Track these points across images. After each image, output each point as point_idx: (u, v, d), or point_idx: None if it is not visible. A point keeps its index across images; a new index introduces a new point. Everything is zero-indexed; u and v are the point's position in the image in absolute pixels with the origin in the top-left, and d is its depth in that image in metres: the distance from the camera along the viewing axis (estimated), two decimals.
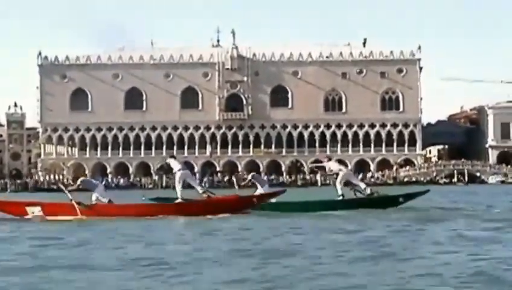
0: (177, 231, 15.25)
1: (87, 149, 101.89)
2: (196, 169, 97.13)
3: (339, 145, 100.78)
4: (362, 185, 20.10)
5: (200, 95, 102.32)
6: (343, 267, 8.57)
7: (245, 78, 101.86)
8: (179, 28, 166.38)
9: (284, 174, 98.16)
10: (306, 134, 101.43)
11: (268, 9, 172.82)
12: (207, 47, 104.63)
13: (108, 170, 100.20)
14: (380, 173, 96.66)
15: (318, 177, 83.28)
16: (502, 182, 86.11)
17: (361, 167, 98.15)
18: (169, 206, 18.47)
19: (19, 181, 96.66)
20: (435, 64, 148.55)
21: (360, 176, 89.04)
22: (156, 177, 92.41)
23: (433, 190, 47.47)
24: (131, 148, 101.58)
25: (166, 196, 21.11)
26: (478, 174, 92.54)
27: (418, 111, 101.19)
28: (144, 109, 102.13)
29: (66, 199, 18.20)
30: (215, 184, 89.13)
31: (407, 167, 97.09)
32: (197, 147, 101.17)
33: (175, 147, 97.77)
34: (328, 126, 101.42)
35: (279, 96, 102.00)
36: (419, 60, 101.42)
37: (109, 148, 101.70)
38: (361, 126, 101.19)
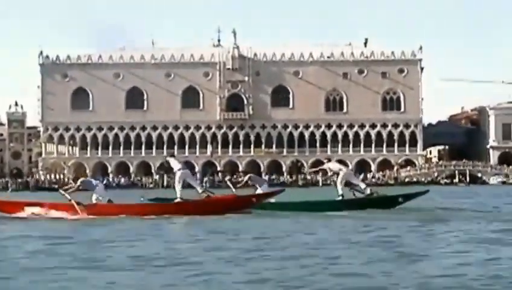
0: (185, 230, 15.23)
1: (88, 148, 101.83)
2: (197, 169, 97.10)
3: (339, 146, 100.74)
4: (362, 185, 20.11)
5: (201, 95, 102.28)
6: (362, 268, 8.55)
7: (246, 78, 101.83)
8: (179, 27, 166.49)
9: (285, 174, 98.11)
10: (307, 134, 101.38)
11: (269, 9, 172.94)
12: (208, 47, 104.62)
13: (109, 170, 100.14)
14: (380, 173, 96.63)
15: (319, 177, 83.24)
16: (503, 183, 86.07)
17: (362, 167, 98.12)
18: (169, 206, 18.48)
19: (20, 180, 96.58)
20: (435, 65, 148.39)
21: (361, 176, 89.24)
22: (157, 177, 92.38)
23: (435, 191, 47.52)
24: (132, 147, 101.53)
25: (167, 195, 21.17)
26: (479, 175, 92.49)
27: (419, 111, 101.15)
28: (145, 108, 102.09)
29: (65, 199, 18.29)
30: (216, 184, 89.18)
31: (408, 168, 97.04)
32: (198, 146, 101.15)
33: (176, 147, 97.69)
34: (329, 126, 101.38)
35: (280, 96, 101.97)
36: (420, 60, 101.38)
37: (110, 147, 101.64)
38: (362, 126, 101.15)
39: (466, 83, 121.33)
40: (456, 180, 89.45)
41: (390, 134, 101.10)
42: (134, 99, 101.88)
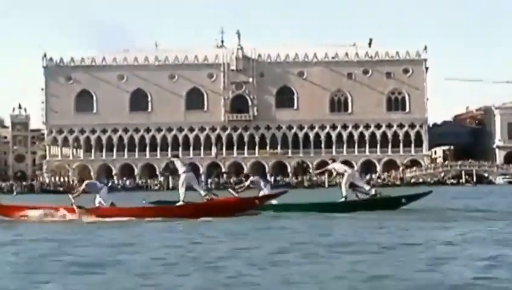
0: (199, 231, 14.93)
1: (93, 151, 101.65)
2: (202, 170, 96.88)
3: (344, 146, 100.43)
4: (366, 187, 19.98)
5: (205, 96, 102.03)
6: (400, 270, 8.30)
7: (250, 79, 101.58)
8: (182, 29, 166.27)
9: (290, 175, 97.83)
10: (312, 135, 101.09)
11: (273, 10, 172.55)
12: (212, 48, 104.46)
13: (114, 172, 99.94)
14: (386, 173, 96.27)
15: (325, 178, 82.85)
16: (510, 182, 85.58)
17: (368, 167, 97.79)
18: (171, 209, 18.36)
19: (24, 183, 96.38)
20: (440, 65, 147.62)
21: (368, 177, 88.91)
22: (161, 179, 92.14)
23: (442, 191, 47.32)
24: (137, 149, 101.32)
25: (172, 198, 20.92)
26: (486, 175, 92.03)
27: (424, 111, 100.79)
28: (149, 110, 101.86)
29: (68, 202, 18.17)
30: (221, 185, 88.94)
31: (414, 168, 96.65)
32: (202, 148, 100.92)
33: (180, 149, 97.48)
34: (334, 127, 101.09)
35: (285, 97, 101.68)
36: (425, 60, 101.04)
37: (114, 149, 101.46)
38: (367, 127, 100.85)
39: (470, 82, 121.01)
40: (463, 180, 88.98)
41: (395, 134, 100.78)
42: (139, 101, 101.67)
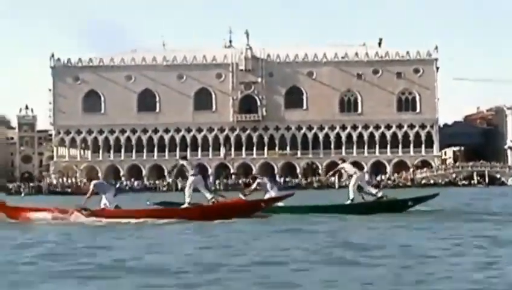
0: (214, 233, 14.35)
1: (100, 151, 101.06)
2: (210, 171, 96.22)
3: (354, 147, 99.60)
4: (373, 191, 19.82)
5: (213, 97, 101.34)
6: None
7: (259, 79, 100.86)
8: (189, 29, 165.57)
9: (299, 176, 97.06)
10: (321, 135, 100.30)
11: (282, 10, 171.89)
12: (220, 48, 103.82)
13: (122, 173, 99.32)
14: (396, 175, 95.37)
15: (335, 179, 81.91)
16: None
17: (378, 168, 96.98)
18: (176, 211, 18.19)
19: (31, 184, 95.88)
20: (450, 65, 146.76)
21: (378, 178, 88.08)
22: (170, 180, 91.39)
23: (454, 192, 46.70)
24: (145, 150, 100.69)
25: (178, 200, 20.63)
26: (498, 176, 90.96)
27: (435, 112, 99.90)
28: (157, 110, 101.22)
29: (77, 203, 18.16)
30: (230, 186, 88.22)
31: (425, 169, 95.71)
32: (210, 149, 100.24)
33: (189, 149, 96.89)
34: (344, 127, 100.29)
35: (294, 98, 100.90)
36: (436, 60, 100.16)
37: (122, 150, 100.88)
38: (377, 127, 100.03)
39: (481, 82, 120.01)
40: (475, 181, 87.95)
41: (405, 135, 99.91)
42: (146, 101, 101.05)
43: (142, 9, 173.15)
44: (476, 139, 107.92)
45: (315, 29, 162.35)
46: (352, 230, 14.21)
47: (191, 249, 10.84)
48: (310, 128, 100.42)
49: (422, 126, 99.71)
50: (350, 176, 19.75)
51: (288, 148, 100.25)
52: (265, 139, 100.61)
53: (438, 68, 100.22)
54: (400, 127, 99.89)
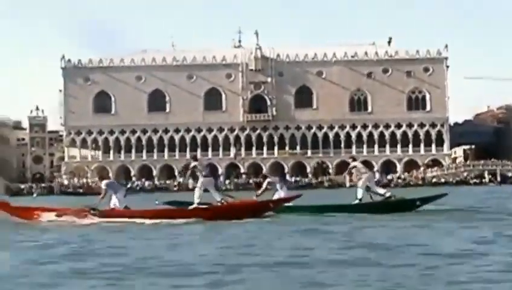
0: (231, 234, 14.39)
1: (111, 152, 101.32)
2: (220, 171, 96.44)
3: (364, 146, 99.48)
4: (381, 191, 19.66)
5: (223, 97, 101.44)
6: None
7: (269, 79, 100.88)
8: (198, 29, 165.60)
9: (310, 175, 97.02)
10: (331, 135, 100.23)
11: (291, 9, 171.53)
12: (230, 48, 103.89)
13: (132, 173, 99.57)
14: (407, 174, 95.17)
15: (347, 178, 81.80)
16: None
17: (388, 167, 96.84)
18: (187, 211, 18.16)
19: (43, 185, 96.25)
20: (460, 63, 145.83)
21: (389, 177, 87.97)
22: (181, 180, 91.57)
23: (466, 191, 46.36)
24: (155, 150, 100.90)
25: (188, 200, 20.54)
26: (510, 174, 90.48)
27: (445, 110, 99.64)
28: (167, 110, 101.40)
29: (78, 203, 18.14)
30: (241, 186, 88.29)
31: (435, 168, 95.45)
32: (221, 149, 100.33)
33: (199, 149, 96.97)
34: (354, 126, 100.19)
35: (304, 97, 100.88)
36: (446, 58, 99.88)
37: (133, 150, 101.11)
38: (387, 126, 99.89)
39: (490, 81, 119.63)
40: (486, 180, 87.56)
41: (416, 134, 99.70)
42: (157, 101, 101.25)
43: (150, 10, 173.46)
44: (487, 137, 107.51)
45: (324, 29, 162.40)
46: (370, 230, 14.11)
47: (212, 249, 10.81)
48: (320, 127, 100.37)
49: (433, 125, 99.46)
50: (360, 177, 19.57)
51: (298, 147, 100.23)
52: (276, 139, 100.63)
53: (448, 67, 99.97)
54: (410, 126, 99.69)
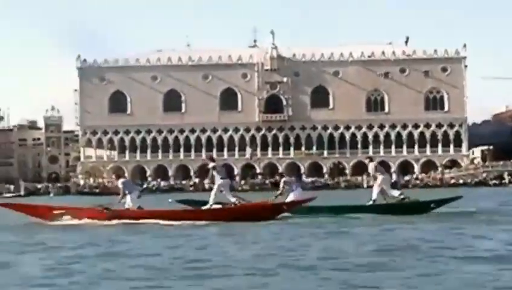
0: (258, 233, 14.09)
1: (127, 152, 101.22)
2: (236, 171, 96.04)
3: (381, 147, 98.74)
4: (396, 193, 19.36)
5: (239, 97, 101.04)
6: None
7: (285, 79, 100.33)
8: (213, 28, 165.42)
9: (326, 176, 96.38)
10: (348, 135, 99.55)
11: (307, 9, 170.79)
12: (245, 48, 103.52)
13: (148, 173, 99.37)
14: (424, 175, 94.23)
15: (365, 178, 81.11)
16: None
17: (405, 168, 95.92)
18: (199, 212, 18.18)
19: (59, 185, 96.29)
20: (479, 62, 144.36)
21: (407, 177, 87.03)
22: (196, 180, 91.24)
23: (487, 193, 45.58)
24: (171, 150, 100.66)
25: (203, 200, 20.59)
26: None
27: (463, 111, 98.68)
28: (183, 110, 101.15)
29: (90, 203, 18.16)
30: (256, 186, 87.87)
31: (453, 169, 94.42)
32: (236, 149, 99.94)
33: (214, 149, 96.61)
34: (371, 127, 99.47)
35: (320, 97, 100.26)
36: (464, 58, 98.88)
37: (148, 150, 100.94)
38: (404, 126, 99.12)
39: (509, 81, 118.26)
40: (506, 181, 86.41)
41: (433, 134, 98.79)
42: (172, 101, 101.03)
43: (165, 9, 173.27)
44: (505, 138, 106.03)
45: (341, 28, 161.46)
46: (399, 231, 13.79)
47: (243, 250, 10.65)
48: (336, 127, 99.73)
49: (451, 125, 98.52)
50: (375, 177, 19.50)
51: (314, 148, 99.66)
52: (291, 139, 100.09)
53: (466, 66, 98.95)
54: (427, 126, 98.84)
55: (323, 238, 12.62)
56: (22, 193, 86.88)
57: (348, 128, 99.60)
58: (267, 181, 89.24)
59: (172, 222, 16.59)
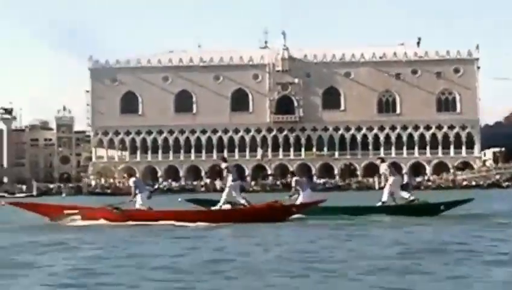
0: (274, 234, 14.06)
1: (138, 152, 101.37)
2: (247, 172, 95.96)
3: (393, 148, 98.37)
4: (406, 195, 19.34)
5: (250, 97, 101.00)
6: None
7: (296, 80, 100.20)
8: (225, 29, 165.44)
9: (337, 177, 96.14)
10: (359, 136, 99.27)
11: (318, 10, 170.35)
12: (256, 49, 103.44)
13: (159, 174, 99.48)
14: (436, 176, 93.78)
15: (376, 180, 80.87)
16: None
17: (417, 170, 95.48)
18: (210, 213, 18.13)
19: (70, 185, 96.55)
20: (492, 64, 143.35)
21: (419, 179, 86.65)
22: (207, 181, 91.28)
23: (499, 195, 45.25)
24: (182, 151, 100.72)
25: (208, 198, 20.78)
26: None
27: (476, 112, 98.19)
28: (194, 111, 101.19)
29: (102, 203, 18.08)
30: (267, 187, 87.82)
31: (466, 170, 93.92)
32: (247, 150, 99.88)
33: (225, 150, 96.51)
34: (382, 128, 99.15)
35: (331, 98, 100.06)
36: (477, 59, 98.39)
37: (159, 151, 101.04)
38: (416, 128, 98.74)
39: None
40: None
41: (445, 136, 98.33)
42: (183, 102, 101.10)
43: (176, 10, 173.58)
44: None
45: (352, 29, 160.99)
46: (418, 233, 13.61)
47: (270, 251, 10.57)
48: (347, 129, 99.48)
49: (463, 127, 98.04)
50: (386, 178, 19.60)
51: (325, 149, 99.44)
52: (303, 140, 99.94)
53: (479, 68, 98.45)
54: (439, 127, 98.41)
55: (344, 240, 12.51)
56: (34, 193, 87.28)
57: (359, 129, 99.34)
58: (278, 182, 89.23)
59: (186, 223, 16.44)
